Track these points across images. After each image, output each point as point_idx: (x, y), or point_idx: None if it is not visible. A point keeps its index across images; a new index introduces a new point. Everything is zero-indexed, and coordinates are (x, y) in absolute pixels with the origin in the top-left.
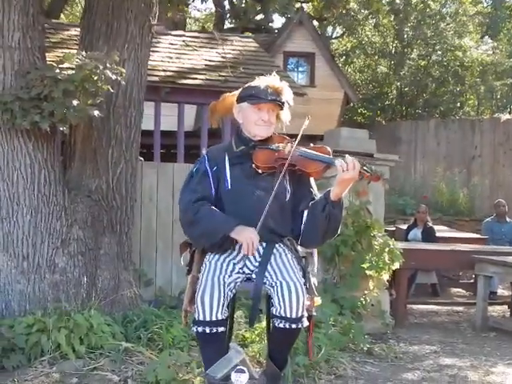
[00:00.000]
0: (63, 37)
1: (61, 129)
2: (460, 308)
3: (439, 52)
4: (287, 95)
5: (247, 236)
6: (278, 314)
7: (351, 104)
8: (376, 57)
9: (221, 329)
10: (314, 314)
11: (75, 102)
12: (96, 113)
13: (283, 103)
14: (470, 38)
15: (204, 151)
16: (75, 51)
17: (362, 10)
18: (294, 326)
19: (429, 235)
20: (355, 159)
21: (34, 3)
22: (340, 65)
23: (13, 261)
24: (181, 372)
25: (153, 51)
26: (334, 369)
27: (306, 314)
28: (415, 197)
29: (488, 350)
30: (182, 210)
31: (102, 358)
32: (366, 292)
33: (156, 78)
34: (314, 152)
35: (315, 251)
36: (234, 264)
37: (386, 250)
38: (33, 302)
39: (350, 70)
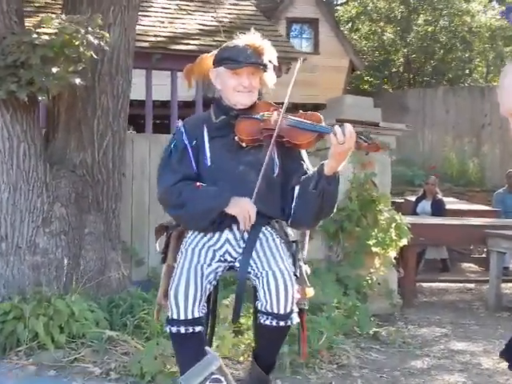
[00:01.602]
0: (48, 0)
1: (40, 98)
2: (472, 285)
3: (446, 17)
4: (270, 55)
5: (243, 208)
6: (264, 309)
7: (357, 72)
8: (382, 23)
9: (198, 328)
10: (306, 307)
11: (55, 70)
12: (77, 81)
13: (265, 65)
14: (478, 2)
15: (180, 123)
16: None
17: None
18: (282, 323)
19: (438, 208)
20: (351, 127)
21: None
22: (346, 32)
23: None
24: (168, 363)
25: (143, 16)
26: (336, 357)
27: (296, 309)
28: (424, 167)
29: (501, 332)
30: (164, 193)
31: (83, 348)
32: (371, 270)
33: (146, 44)
34: (305, 120)
35: (307, 234)
36: (215, 251)
37: (393, 225)
38: (11, 286)
39: (355, 36)
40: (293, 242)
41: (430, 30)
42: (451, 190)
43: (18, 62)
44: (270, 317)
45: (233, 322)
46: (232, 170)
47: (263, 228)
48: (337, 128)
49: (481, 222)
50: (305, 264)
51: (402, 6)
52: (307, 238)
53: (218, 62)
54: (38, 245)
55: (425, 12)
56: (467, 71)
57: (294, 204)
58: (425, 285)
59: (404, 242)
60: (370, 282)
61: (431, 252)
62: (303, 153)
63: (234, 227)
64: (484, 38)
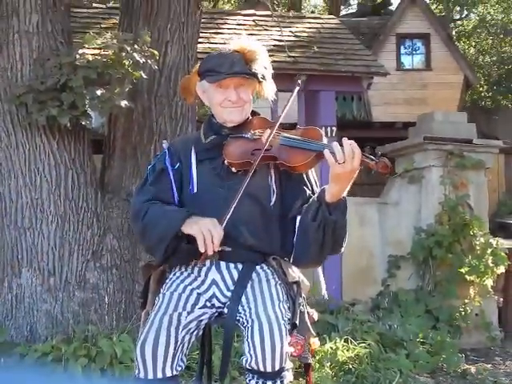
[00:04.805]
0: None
1: (83, 123)
2: None
3: None
4: (262, 61)
5: (203, 226)
6: (248, 366)
7: (474, 88)
8: (500, 36)
9: None
10: (310, 361)
11: (99, 92)
12: (124, 103)
13: (255, 74)
14: None
15: (165, 145)
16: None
17: None
18: (269, 383)
19: None
20: (354, 144)
21: None
22: (465, 47)
23: (38, 277)
24: None
25: (215, 33)
26: None
27: (288, 366)
28: None
29: None
30: (131, 219)
31: None
32: (466, 301)
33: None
34: (300, 137)
35: (320, 271)
36: (199, 294)
37: (489, 251)
38: (61, 325)
39: (472, 51)
40: (293, 283)
41: None
42: None
43: (58, 85)
44: (255, 376)
45: (220, 381)
46: (221, 198)
47: (257, 267)
48: (335, 145)
49: None
50: (311, 308)
51: None
52: (321, 275)
53: (201, 74)
54: (88, 280)
55: None
56: None
57: (294, 238)
58: None
59: (501, 269)
60: (463, 313)
61: None
62: (308, 175)
63: (222, 266)
64: None
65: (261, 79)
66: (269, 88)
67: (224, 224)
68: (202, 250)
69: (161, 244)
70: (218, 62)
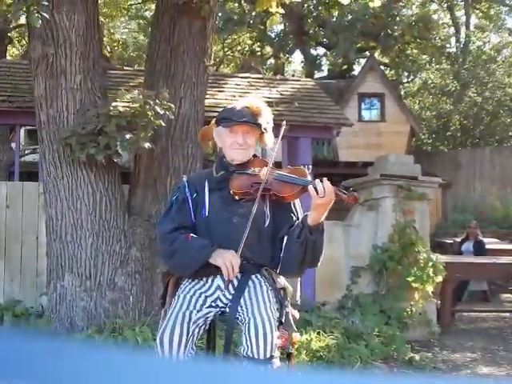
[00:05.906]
0: (128, 72)
1: (114, 160)
2: (507, 314)
3: (492, 90)
4: (265, 117)
5: (226, 259)
6: (245, 354)
7: (418, 135)
8: (439, 96)
9: None
10: (292, 351)
11: (128, 136)
12: (147, 145)
13: (259, 125)
14: None
15: (185, 178)
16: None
17: (422, 55)
18: (261, 368)
19: (479, 247)
20: (329, 183)
21: (94, 48)
22: (411, 104)
23: (77, 280)
24: None
25: (219, 91)
26: None
27: (276, 354)
28: (474, 213)
29: None
30: (159, 241)
31: None
32: (411, 303)
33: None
34: (289, 174)
35: (298, 281)
36: (207, 297)
37: (430, 264)
38: (94, 318)
39: (417, 107)
40: (280, 288)
41: (478, 100)
42: (497, 232)
43: (96, 130)
44: (250, 362)
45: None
46: (226, 220)
47: (253, 276)
48: (317, 182)
49: (508, 260)
50: (294, 309)
51: (454, 81)
52: (299, 284)
53: (217, 122)
54: (116, 283)
55: (474, 85)
56: (511, 133)
57: (282, 253)
58: (465, 314)
59: (439, 278)
60: (410, 312)
61: (473, 285)
62: (295, 204)
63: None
64: None
65: (263, 131)
66: (269, 138)
67: (239, 253)
68: (226, 277)
69: (191, 268)
70: (231, 112)
